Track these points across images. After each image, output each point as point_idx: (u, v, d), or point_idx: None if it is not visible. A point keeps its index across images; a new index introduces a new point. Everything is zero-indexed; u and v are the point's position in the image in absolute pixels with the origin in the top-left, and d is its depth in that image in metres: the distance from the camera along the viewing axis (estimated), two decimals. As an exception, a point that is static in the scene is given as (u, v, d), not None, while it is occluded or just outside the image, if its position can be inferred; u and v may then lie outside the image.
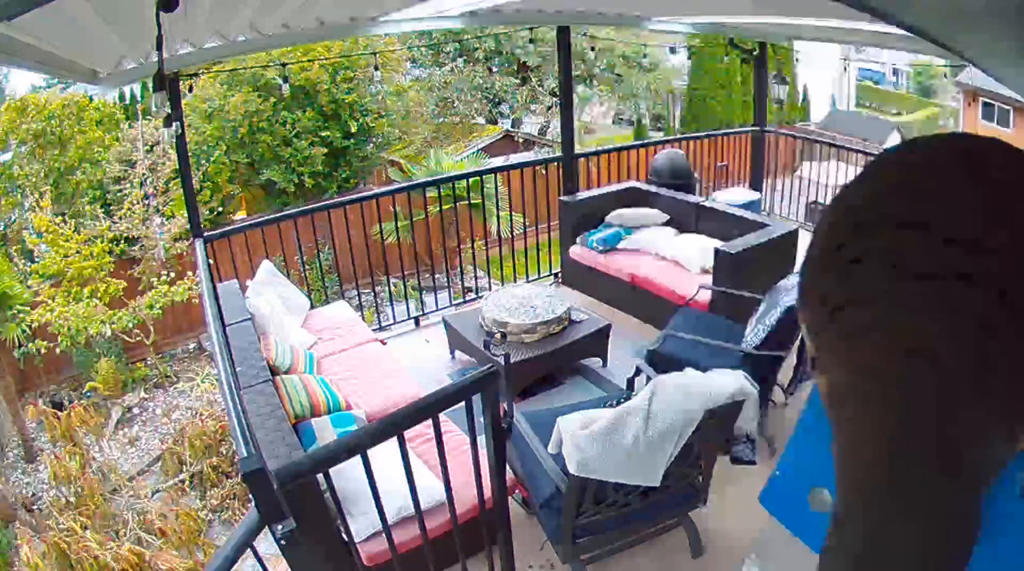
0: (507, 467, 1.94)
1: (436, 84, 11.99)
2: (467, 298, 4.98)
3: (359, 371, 2.98)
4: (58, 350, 6.94)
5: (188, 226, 4.77)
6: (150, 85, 2.34)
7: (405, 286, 7.01)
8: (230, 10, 2.26)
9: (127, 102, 8.92)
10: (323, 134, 9.31)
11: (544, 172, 5.17)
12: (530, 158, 8.92)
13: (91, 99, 8.36)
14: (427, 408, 1.62)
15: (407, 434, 1.59)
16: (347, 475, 1.79)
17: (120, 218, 7.51)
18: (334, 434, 2.28)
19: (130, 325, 7.03)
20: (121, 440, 6.92)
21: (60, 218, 7.17)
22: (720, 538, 2.28)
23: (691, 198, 4.31)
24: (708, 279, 3.42)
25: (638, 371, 2.66)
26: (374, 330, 3.88)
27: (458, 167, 8.63)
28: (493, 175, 6.93)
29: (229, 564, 1.37)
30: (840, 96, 15.22)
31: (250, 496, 1.46)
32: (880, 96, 16.54)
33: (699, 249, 3.75)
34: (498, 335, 3.22)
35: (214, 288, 2.98)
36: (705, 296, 3.27)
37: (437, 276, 8.23)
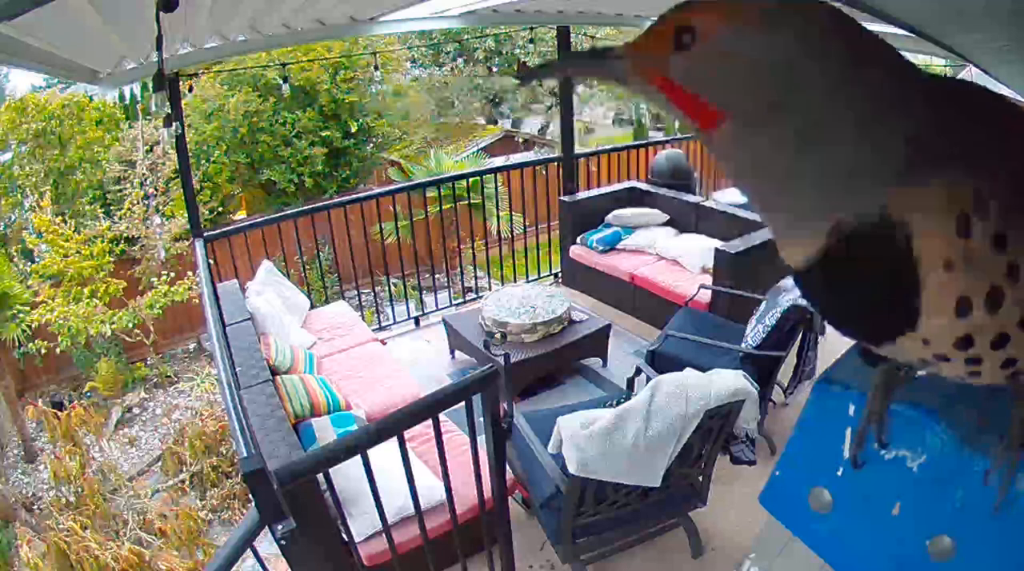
0: (507, 467, 1.94)
1: (436, 84, 11.99)
2: (467, 298, 4.97)
3: (359, 371, 2.98)
4: (58, 350, 6.93)
5: (188, 226, 4.76)
6: (150, 85, 2.34)
7: (405, 286, 7.01)
8: (230, 10, 2.26)
9: (127, 102, 8.91)
10: (323, 134, 9.30)
11: (544, 172, 5.17)
12: (530, 158, 8.90)
13: (91, 99, 8.35)
14: (427, 408, 1.62)
15: (407, 434, 1.60)
16: (347, 475, 1.79)
17: (120, 218, 7.50)
18: (334, 434, 2.28)
19: (130, 325, 7.03)
20: (121, 440, 6.91)
21: (60, 218, 7.16)
22: (720, 538, 2.28)
23: (691, 198, 4.30)
24: (708, 279, 3.42)
25: (638, 371, 2.66)
26: (374, 330, 3.87)
27: (458, 167, 8.62)
28: (493, 175, 6.94)
29: (229, 564, 1.36)
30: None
31: (250, 496, 1.46)
32: (880, 96, 16.51)
33: (699, 249, 3.75)
34: (498, 335, 3.22)
35: (214, 288, 2.98)
36: (705, 296, 3.27)
37: (437, 276, 8.23)
